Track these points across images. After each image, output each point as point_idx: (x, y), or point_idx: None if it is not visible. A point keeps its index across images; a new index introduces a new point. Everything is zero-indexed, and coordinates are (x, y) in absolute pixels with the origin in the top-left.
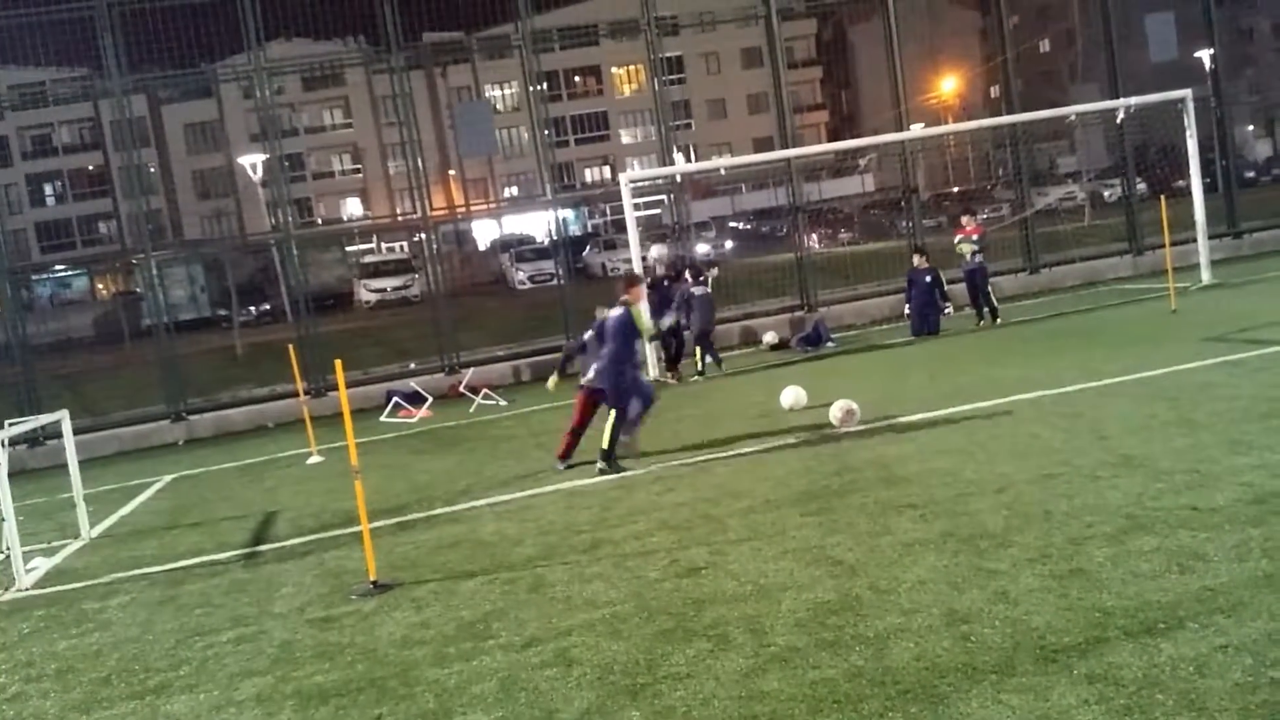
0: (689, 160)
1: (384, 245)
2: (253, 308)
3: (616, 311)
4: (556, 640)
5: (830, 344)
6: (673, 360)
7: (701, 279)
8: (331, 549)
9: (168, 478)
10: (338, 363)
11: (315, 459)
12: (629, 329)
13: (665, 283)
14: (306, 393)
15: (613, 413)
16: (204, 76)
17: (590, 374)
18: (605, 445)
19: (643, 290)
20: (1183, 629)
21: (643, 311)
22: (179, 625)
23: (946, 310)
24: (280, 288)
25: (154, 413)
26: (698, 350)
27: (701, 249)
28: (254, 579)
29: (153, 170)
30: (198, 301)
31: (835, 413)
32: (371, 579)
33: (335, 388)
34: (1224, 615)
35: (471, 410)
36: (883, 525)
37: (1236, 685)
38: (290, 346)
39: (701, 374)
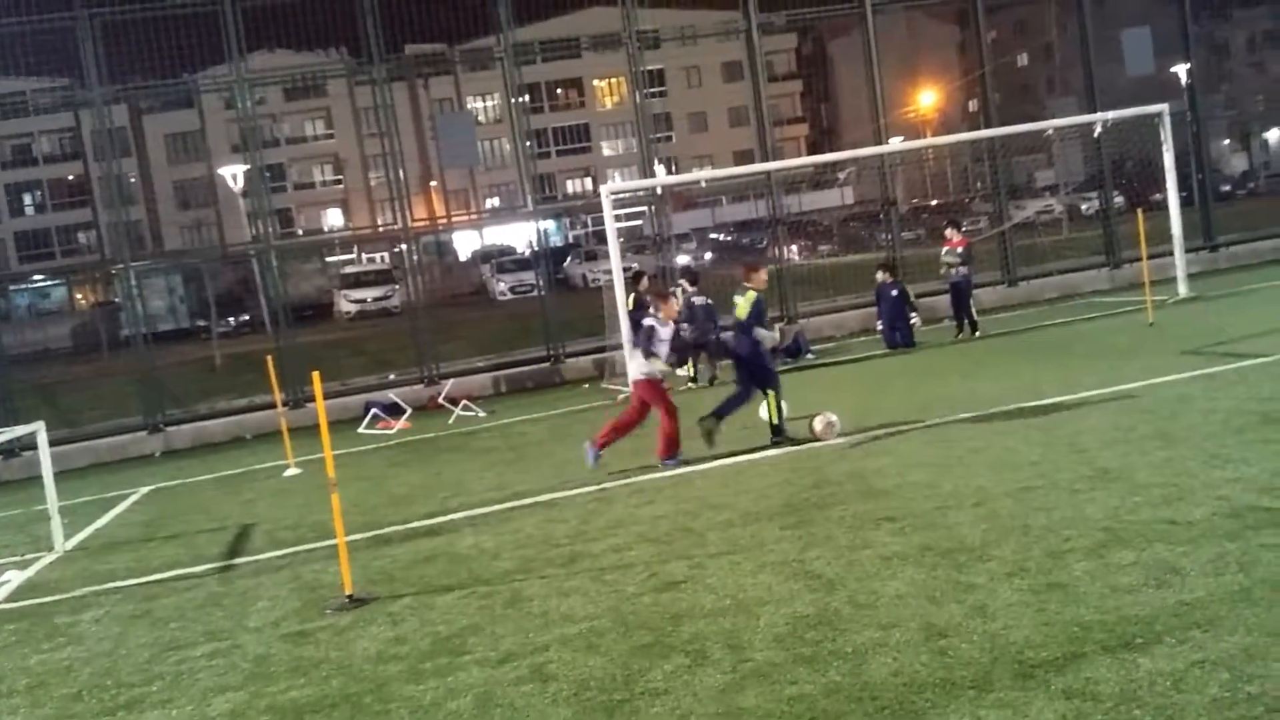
0: (670, 172)
1: (364, 256)
2: (232, 318)
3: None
4: (533, 655)
5: (810, 355)
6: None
7: (697, 287)
8: (308, 562)
9: (144, 489)
10: (315, 374)
11: (293, 471)
12: (757, 311)
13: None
14: (284, 404)
15: (770, 393)
16: (185, 87)
17: (648, 368)
18: (775, 422)
19: (764, 276)
20: (1160, 644)
21: (743, 301)
22: (153, 639)
23: (914, 320)
24: (260, 298)
25: (131, 424)
26: (690, 359)
27: (682, 260)
28: (229, 593)
29: (133, 180)
30: (177, 312)
31: (815, 425)
32: (347, 593)
33: (313, 399)
34: (1201, 630)
35: (450, 422)
36: (861, 538)
37: (1213, 700)
38: (268, 358)
39: (695, 382)
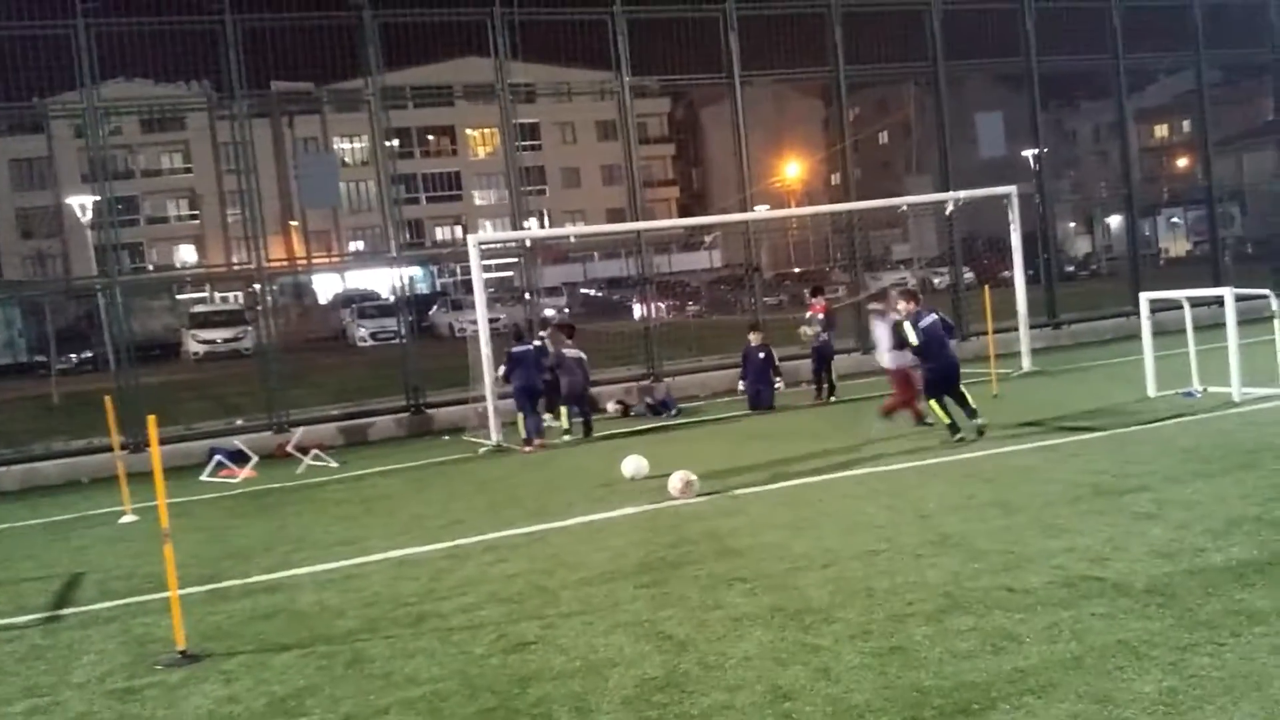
0: (542, 225)
1: (218, 295)
2: (74, 355)
3: (933, 317)
4: (371, 719)
5: (673, 412)
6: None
7: (571, 340)
8: (139, 615)
9: None
10: (151, 418)
11: (129, 518)
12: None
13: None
14: (124, 447)
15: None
16: (33, 111)
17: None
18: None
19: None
20: (995, 709)
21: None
22: None
23: (778, 385)
24: (104, 335)
25: None
26: (564, 411)
27: (548, 313)
28: (53, 645)
29: None
30: (14, 346)
31: (674, 483)
32: (180, 649)
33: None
34: (1034, 696)
35: (299, 471)
36: (714, 599)
37: None
38: (107, 398)
39: (569, 433)
